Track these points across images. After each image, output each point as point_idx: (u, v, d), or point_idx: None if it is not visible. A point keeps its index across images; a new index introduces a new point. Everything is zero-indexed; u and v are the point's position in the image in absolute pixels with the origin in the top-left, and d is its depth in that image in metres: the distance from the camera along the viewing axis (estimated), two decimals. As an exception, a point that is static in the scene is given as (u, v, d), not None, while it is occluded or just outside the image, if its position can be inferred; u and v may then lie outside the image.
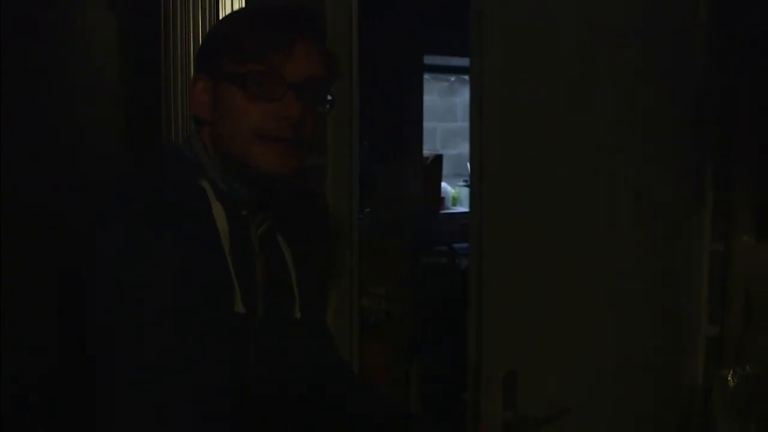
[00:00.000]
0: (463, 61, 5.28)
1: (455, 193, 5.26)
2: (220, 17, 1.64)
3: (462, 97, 5.72)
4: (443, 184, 5.17)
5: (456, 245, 4.61)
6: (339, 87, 1.79)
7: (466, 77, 5.68)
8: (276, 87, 1.08)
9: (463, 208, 5.17)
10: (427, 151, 5.07)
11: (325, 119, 1.24)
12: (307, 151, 1.17)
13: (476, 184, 1.53)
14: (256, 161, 1.10)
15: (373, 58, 4.03)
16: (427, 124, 5.30)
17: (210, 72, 1.13)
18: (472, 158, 1.54)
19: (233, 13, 1.27)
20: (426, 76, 5.19)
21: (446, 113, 5.67)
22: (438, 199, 5.07)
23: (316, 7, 1.40)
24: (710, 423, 1.69)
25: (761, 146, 1.84)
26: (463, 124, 5.72)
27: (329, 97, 1.17)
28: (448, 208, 5.20)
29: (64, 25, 1.50)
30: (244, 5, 1.53)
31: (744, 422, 1.58)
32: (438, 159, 5.06)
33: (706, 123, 1.84)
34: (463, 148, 5.71)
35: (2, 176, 1.28)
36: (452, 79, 5.66)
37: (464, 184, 5.29)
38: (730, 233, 1.83)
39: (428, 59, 4.95)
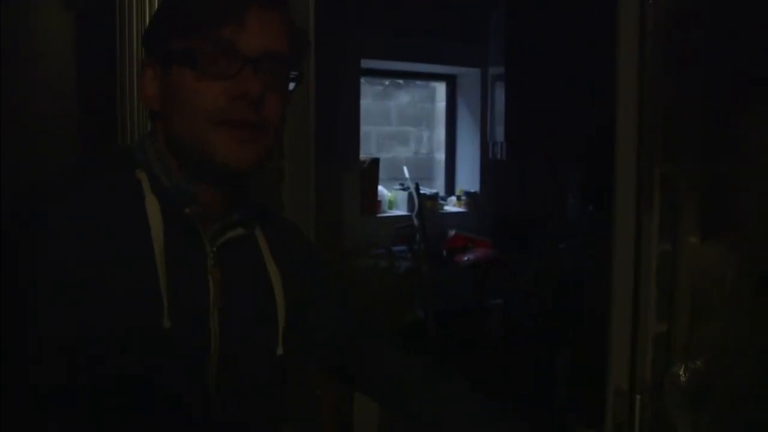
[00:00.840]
0: (397, 65, 5.35)
1: (391, 196, 5.29)
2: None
3: (396, 101, 5.75)
4: (379, 188, 5.20)
5: (394, 248, 4.66)
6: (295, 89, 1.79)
7: (401, 81, 5.72)
8: (230, 62, 0.93)
9: (399, 211, 5.20)
10: (363, 155, 5.09)
11: (288, 100, 1.01)
12: (272, 138, 0.99)
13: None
14: (213, 151, 0.94)
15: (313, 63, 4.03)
16: (362, 128, 5.31)
17: (157, 55, 0.98)
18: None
19: None
20: (361, 80, 5.21)
21: (381, 117, 5.70)
22: (375, 202, 5.10)
23: None
24: (662, 417, 1.75)
25: (703, 151, 1.92)
26: (398, 128, 5.75)
27: (293, 74, 1.00)
28: (384, 212, 5.22)
29: (22, 23, 1.45)
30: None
31: (696, 415, 1.65)
32: (375, 162, 5.09)
33: (654, 126, 1.91)
34: (398, 151, 5.74)
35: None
36: (386, 83, 5.69)
37: (400, 187, 5.32)
38: (677, 234, 1.91)
39: (363, 63, 4.98)
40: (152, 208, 0.95)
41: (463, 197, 5.44)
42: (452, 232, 5.15)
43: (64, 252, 0.88)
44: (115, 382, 0.89)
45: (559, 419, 3.42)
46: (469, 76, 5.51)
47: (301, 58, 1.02)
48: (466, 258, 4.91)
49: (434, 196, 5.39)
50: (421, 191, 5.06)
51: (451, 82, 5.68)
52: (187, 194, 0.98)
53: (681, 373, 1.68)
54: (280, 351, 1.03)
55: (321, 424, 2.80)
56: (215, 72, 0.94)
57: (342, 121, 4.77)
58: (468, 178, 5.58)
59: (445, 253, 5.07)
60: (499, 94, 4.91)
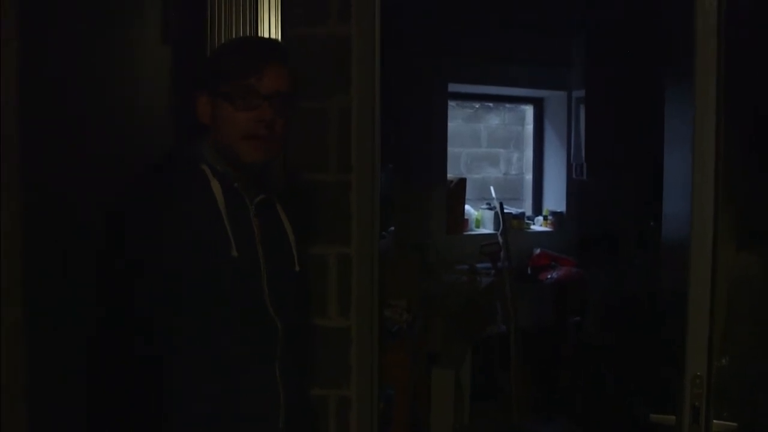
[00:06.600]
0: (486, 89, 5.53)
1: (478, 215, 5.45)
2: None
3: (486, 123, 5.92)
4: (467, 207, 5.37)
5: (478, 265, 4.82)
6: (362, 109, 2.03)
7: (491, 104, 5.90)
8: (253, 99, 1.46)
9: (486, 230, 5.36)
10: (451, 175, 5.28)
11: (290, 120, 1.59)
12: (279, 145, 1.56)
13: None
14: (243, 152, 1.48)
15: (401, 86, 4.27)
16: (453, 149, 5.50)
17: (208, 91, 1.49)
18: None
19: (221, 47, 1.63)
20: (451, 103, 5.41)
21: (471, 139, 5.88)
22: (461, 220, 5.27)
23: (277, 39, 1.85)
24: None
25: (745, 163, 2.03)
26: (486, 149, 5.92)
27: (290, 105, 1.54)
28: (471, 230, 5.38)
29: (124, 57, 1.76)
30: (229, 42, 1.83)
31: (720, 408, 1.75)
32: (462, 182, 5.26)
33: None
34: (487, 172, 5.91)
35: (69, 183, 1.52)
36: (477, 106, 5.87)
37: (487, 207, 5.48)
38: (716, 242, 2.02)
39: (453, 87, 5.18)
40: (215, 186, 1.48)
41: (550, 217, 5.54)
42: (537, 251, 5.27)
43: (175, 215, 1.43)
44: (208, 296, 1.43)
45: (632, 407, 3.53)
46: (555, 99, 5.64)
47: (297, 92, 1.57)
48: (549, 276, 5.02)
49: (520, 216, 5.52)
50: (507, 211, 5.20)
51: (538, 105, 5.81)
52: (233, 176, 1.51)
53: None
54: (297, 268, 1.61)
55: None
56: (245, 106, 1.46)
57: (431, 142, 4.99)
58: (555, 198, 5.68)
59: (529, 270, 5.18)
60: (581, 117, 5.02)
